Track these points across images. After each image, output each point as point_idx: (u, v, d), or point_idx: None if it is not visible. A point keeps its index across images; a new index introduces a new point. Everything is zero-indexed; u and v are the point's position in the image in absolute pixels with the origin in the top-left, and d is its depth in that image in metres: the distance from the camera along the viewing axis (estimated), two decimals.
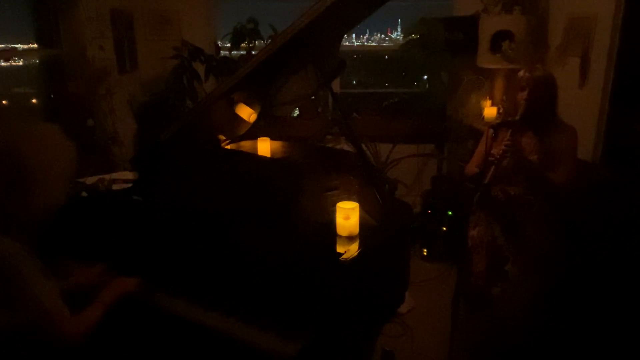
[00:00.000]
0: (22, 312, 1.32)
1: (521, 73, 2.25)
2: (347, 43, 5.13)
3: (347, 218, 1.63)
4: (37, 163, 1.36)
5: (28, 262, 1.33)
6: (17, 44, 3.77)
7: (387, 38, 5.35)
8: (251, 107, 2.27)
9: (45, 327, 1.34)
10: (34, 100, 3.84)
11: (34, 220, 1.42)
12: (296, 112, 4.48)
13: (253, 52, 4.04)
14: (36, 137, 1.40)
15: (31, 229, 1.42)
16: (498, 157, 2.14)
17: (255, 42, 4.07)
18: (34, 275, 1.33)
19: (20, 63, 3.91)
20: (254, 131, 2.38)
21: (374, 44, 5.33)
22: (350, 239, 1.63)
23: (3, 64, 3.74)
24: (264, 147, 2.29)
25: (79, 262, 1.72)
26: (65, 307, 1.38)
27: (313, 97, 4.35)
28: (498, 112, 3.49)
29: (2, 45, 3.65)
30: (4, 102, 3.65)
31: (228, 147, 2.37)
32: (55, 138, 1.43)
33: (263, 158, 2.14)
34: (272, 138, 2.32)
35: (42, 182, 1.37)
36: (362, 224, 1.67)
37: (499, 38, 3.36)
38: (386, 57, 5.42)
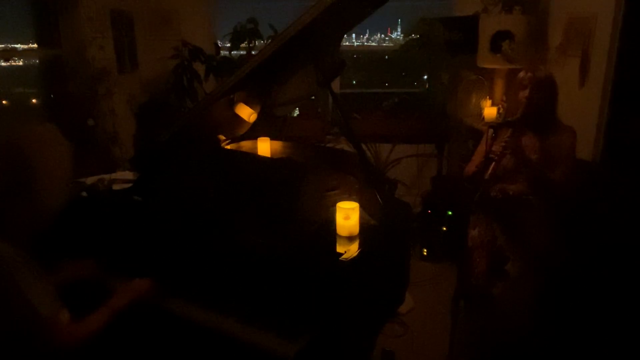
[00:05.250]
0: (16, 318, 1.30)
1: (522, 74, 2.26)
2: (347, 43, 5.13)
3: (347, 218, 1.63)
4: (38, 163, 1.35)
5: (22, 268, 1.30)
6: (17, 44, 3.76)
7: (387, 38, 5.35)
8: (251, 107, 2.27)
9: (40, 334, 1.32)
10: (34, 100, 3.84)
11: (35, 222, 1.41)
12: (296, 112, 4.48)
13: (253, 52, 4.04)
14: (36, 136, 1.39)
15: (31, 232, 1.40)
16: (498, 154, 2.15)
17: (255, 42, 4.07)
18: (28, 281, 1.30)
19: (20, 63, 3.91)
20: (254, 131, 2.38)
21: (374, 44, 5.33)
22: (350, 239, 1.63)
23: (3, 64, 3.73)
24: (264, 147, 2.29)
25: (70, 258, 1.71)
26: (62, 312, 1.36)
27: (313, 97, 4.36)
28: (498, 112, 3.49)
29: (2, 45, 3.64)
30: (4, 102, 3.64)
31: (228, 147, 2.37)
32: (54, 137, 1.43)
33: (263, 158, 2.14)
34: (272, 138, 2.32)
35: (43, 182, 1.36)
36: (362, 224, 1.67)
37: (499, 38, 3.36)
38: (386, 57, 5.42)
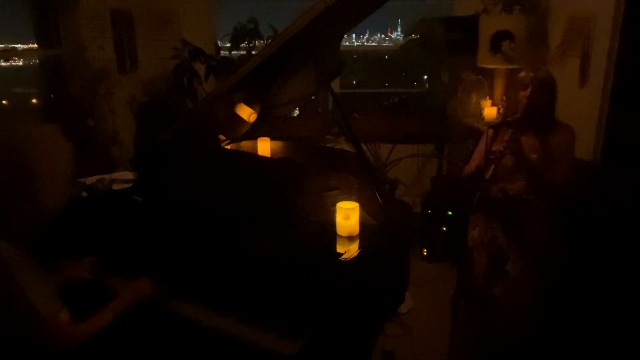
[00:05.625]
0: (16, 318, 1.30)
1: (523, 73, 2.26)
2: (347, 43, 5.13)
3: (347, 218, 1.63)
4: (39, 163, 1.35)
5: (23, 267, 1.30)
6: (17, 44, 3.76)
7: (387, 38, 5.35)
8: (251, 107, 2.27)
9: (40, 333, 1.32)
10: (34, 100, 3.84)
11: (35, 222, 1.40)
12: (296, 112, 4.48)
13: (253, 52, 4.04)
14: (37, 137, 1.39)
15: (32, 231, 1.40)
16: (498, 154, 2.15)
17: (255, 42, 4.07)
18: (28, 280, 1.30)
19: (20, 63, 3.91)
20: (254, 131, 2.38)
21: (374, 44, 5.32)
22: (350, 239, 1.63)
23: (3, 64, 3.73)
24: (264, 147, 2.29)
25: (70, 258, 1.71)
26: (62, 313, 1.36)
27: (313, 97, 4.36)
28: (498, 112, 3.50)
29: (2, 45, 3.64)
30: (4, 102, 3.64)
31: (228, 147, 2.37)
32: (55, 138, 1.43)
33: (263, 158, 2.14)
34: (272, 138, 2.32)
35: (43, 182, 1.36)
36: (362, 224, 1.67)
37: (499, 38, 3.36)
38: (386, 57, 5.42)
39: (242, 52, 4.16)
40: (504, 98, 3.55)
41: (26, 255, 1.33)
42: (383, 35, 5.33)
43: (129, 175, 2.33)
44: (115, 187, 2.21)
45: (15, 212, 1.35)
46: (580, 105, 2.89)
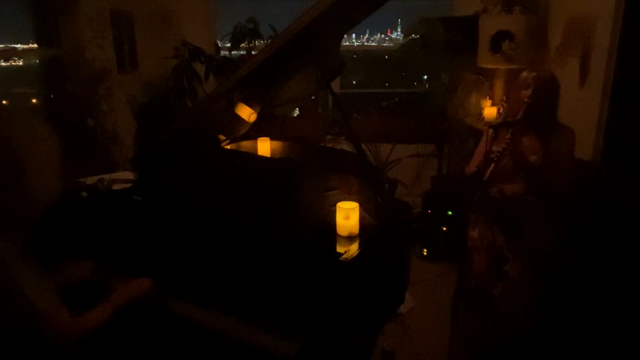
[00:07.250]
0: (13, 312, 1.29)
1: (525, 73, 2.25)
2: (347, 43, 5.14)
3: (347, 218, 1.63)
4: (27, 156, 1.33)
5: (18, 262, 1.30)
6: (17, 44, 3.76)
7: (387, 38, 5.35)
8: (251, 107, 2.27)
9: (39, 329, 1.31)
10: (34, 100, 3.84)
11: (29, 217, 1.39)
12: (296, 112, 4.48)
13: (253, 52, 4.04)
14: (23, 130, 1.37)
15: (26, 227, 1.40)
16: (498, 154, 2.14)
17: (255, 42, 4.08)
18: (24, 275, 1.30)
19: (20, 63, 3.91)
20: (254, 131, 2.38)
21: (374, 44, 5.33)
22: (350, 239, 1.63)
23: (3, 64, 3.73)
24: (264, 147, 2.29)
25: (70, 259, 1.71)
26: (62, 308, 1.35)
27: (313, 97, 4.37)
28: (498, 112, 3.50)
29: (2, 45, 3.64)
30: (4, 102, 3.64)
31: (228, 147, 2.37)
32: (42, 131, 1.41)
33: (263, 158, 2.14)
34: (272, 138, 2.32)
35: (33, 175, 1.35)
36: (362, 224, 1.67)
37: (499, 38, 3.36)
38: (386, 57, 5.43)
39: (242, 52, 4.16)
40: (504, 98, 3.55)
41: (22, 251, 1.33)
42: (383, 35, 5.34)
43: (129, 175, 2.33)
44: (115, 187, 2.21)
45: (7, 207, 1.35)
46: (580, 106, 2.89)
